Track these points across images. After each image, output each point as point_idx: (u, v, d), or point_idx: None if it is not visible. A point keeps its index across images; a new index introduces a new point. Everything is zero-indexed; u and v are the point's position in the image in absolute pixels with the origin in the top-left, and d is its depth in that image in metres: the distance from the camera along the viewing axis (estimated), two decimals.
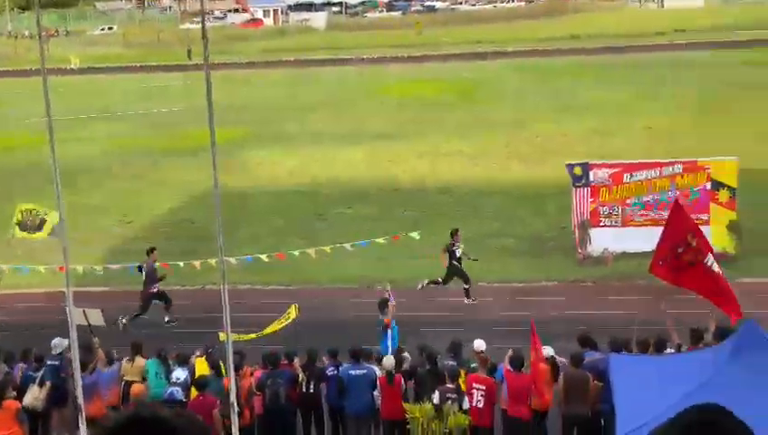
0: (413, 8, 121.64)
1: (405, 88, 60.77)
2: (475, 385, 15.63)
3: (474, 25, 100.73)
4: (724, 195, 25.28)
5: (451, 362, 16.30)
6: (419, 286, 24.10)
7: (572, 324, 20.27)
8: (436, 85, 61.27)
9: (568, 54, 75.17)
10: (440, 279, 24.11)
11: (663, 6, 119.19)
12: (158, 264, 23.45)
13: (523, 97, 54.78)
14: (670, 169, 25.70)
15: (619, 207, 25.79)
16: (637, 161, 27.00)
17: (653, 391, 11.88)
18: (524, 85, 59.48)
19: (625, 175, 25.82)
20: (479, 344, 16.92)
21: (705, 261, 16.44)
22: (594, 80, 59.48)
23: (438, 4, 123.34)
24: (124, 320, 22.61)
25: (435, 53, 79.63)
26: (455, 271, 23.94)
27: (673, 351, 15.77)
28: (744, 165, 26.79)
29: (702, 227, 24.25)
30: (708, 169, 25.49)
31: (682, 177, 25.47)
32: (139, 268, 23.31)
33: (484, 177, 36.27)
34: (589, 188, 25.89)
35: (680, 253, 16.58)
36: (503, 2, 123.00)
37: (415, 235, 25.11)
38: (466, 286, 23.80)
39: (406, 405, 15.76)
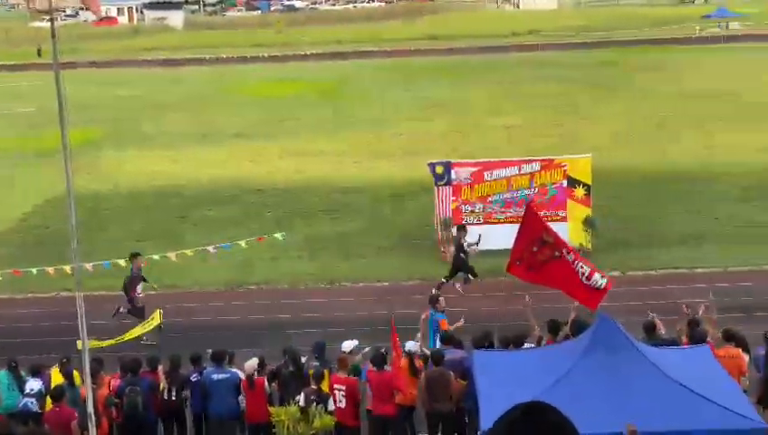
0: (273, 7, 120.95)
1: (266, 88, 60.31)
2: (335, 386, 15.60)
3: (334, 25, 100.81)
4: (579, 192, 25.94)
5: (314, 363, 16.23)
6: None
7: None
8: (297, 85, 61.03)
9: (428, 54, 76.07)
10: (443, 279, 23.77)
11: (519, 8, 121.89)
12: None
13: (385, 96, 55.10)
14: (529, 167, 26.22)
15: (481, 205, 26.17)
16: (497, 160, 27.45)
17: (515, 386, 12.04)
18: (386, 85, 59.82)
19: (486, 173, 26.21)
20: (347, 345, 16.88)
21: (562, 254, 16.79)
22: (454, 79, 60.29)
23: (298, 4, 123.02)
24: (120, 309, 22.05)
25: (295, 52, 79.34)
26: (460, 265, 23.87)
27: (533, 345, 16.05)
28: (598, 162, 27.58)
29: (559, 224, 25.05)
30: (565, 166, 26.12)
31: (540, 174, 26.02)
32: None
33: (348, 176, 36.28)
34: (451, 187, 26.17)
35: (535, 252, 16.95)
36: (362, 2, 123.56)
37: (279, 236, 24.89)
38: (472, 277, 23.81)
39: (271, 408, 15.59)
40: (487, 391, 12.73)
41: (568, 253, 16.91)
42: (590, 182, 25.97)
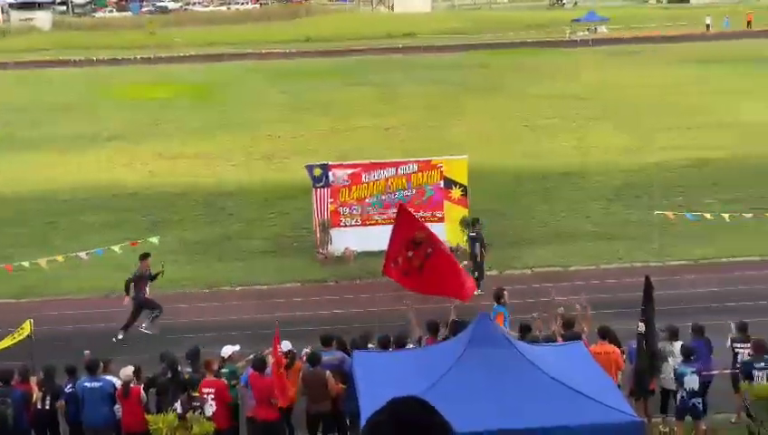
0: (144, 8, 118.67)
1: (139, 90, 59.15)
2: (204, 390, 15.41)
3: (207, 27, 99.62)
4: (456, 192, 26.26)
5: (188, 370, 15.99)
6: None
7: (316, 324, 20.38)
8: (171, 87, 60.06)
9: (303, 56, 75.96)
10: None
11: (393, 11, 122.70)
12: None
13: (261, 98, 54.74)
14: (406, 168, 26.40)
15: (359, 207, 26.22)
16: (374, 161, 27.56)
17: (396, 386, 12.06)
18: (263, 86, 59.46)
19: (363, 175, 26.28)
20: (227, 350, 16.70)
21: (435, 248, 16.94)
22: (330, 81, 60.31)
23: (171, 5, 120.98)
24: (145, 325, 21.43)
25: (169, 54, 78.10)
26: (474, 260, 23.38)
27: (413, 346, 16.15)
28: (474, 163, 27.97)
29: (436, 225, 25.29)
30: (441, 167, 26.39)
31: (417, 175, 26.23)
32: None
33: (225, 179, 35.88)
34: (328, 189, 26.14)
35: (410, 257, 17.11)
36: (236, 4, 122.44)
37: (154, 240, 24.42)
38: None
39: (148, 417, 15.27)
40: (368, 392, 12.73)
41: (442, 245, 17.07)
42: (466, 183, 26.30)
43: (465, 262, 22.29)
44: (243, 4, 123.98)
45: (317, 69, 67.28)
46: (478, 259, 23.09)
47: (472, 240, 23.43)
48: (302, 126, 45.81)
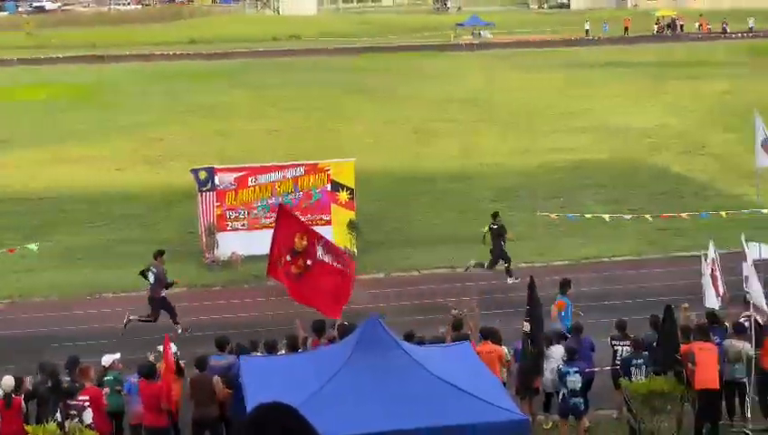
0: (20, 8, 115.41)
1: (19, 92, 57.51)
2: (80, 398, 15.09)
3: (88, 28, 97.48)
4: (343, 195, 26.27)
5: (66, 378, 15.62)
6: (466, 268, 24.11)
7: (204, 329, 20.15)
8: (52, 89, 58.54)
9: (188, 58, 75.05)
10: (485, 263, 24.14)
11: (279, 13, 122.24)
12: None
13: (145, 101, 53.85)
14: (293, 171, 26.30)
15: (246, 211, 26.00)
16: (261, 165, 27.38)
17: (284, 391, 12.00)
18: (146, 88, 58.51)
19: (250, 178, 26.07)
20: (107, 359, 16.40)
21: (316, 258, 16.96)
22: (215, 84, 59.74)
23: (48, 5, 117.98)
24: (130, 318, 20.80)
25: (48, 55, 76.14)
26: (498, 253, 23.88)
27: (300, 348, 16.12)
28: (361, 166, 28.05)
29: (324, 228, 25.27)
30: (329, 170, 26.37)
31: (304, 179, 26.16)
32: (143, 273, 21.27)
33: (109, 183, 35.15)
34: (214, 193, 25.84)
35: (289, 262, 17.12)
36: (117, 5, 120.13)
37: (32, 246, 23.74)
38: (506, 265, 24.04)
39: (28, 427, 14.85)
40: (254, 397, 12.61)
41: (319, 242, 17.05)
42: (353, 186, 26.34)
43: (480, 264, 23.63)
44: (124, 4, 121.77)
45: (201, 71, 66.56)
46: (502, 249, 24.00)
47: (493, 232, 24.15)
48: (187, 129, 45.23)
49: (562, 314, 18.36)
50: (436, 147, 40.51)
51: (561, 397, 15.79)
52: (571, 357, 15.83)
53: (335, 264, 17.96)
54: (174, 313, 21.25)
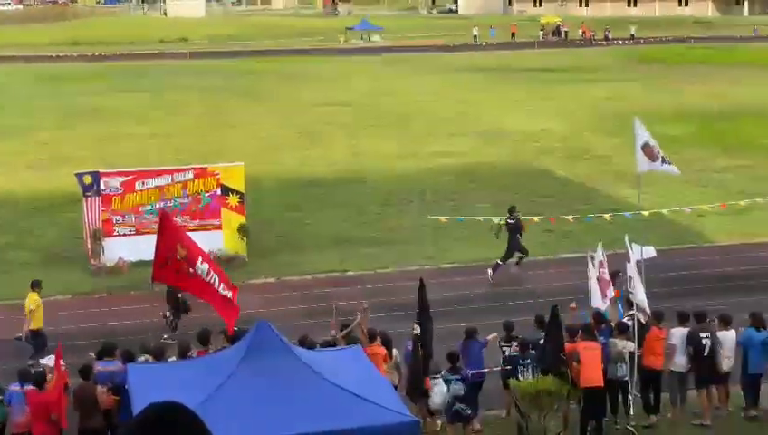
0: None
1: None
2: None
3: None
4: (233, 200, 26.04)
5: None
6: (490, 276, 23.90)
7: (89, 337, 19.71)
8: None
9: (72, 60, 73.39)
10: (499, 261, 24.07)
11: (166, 15, 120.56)
12: None
13: (28, 103, 52.45)
14: (182, 175, 25.94)
15: (133, 216, 25.53)
16: (148, 169, 26.95)
17: (173, 397, 11.81)
18: (28, 91, 57.05)
19: (137, 183, 25.61)
20: None
21: (196, 270, 16.80)
22: (100, 86, 58.57)
23: None
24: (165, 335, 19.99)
25: None
26: (516, 246, 23.84)
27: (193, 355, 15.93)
28: (250, 170, 27.85)
29: (214, 233, 25.03)
30: (218, 174, 26.11)
31: (193, 183, 25.84)
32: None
33: None
34: (100, 198, 25.30)
35: (179, 260, 16.91)
36: None
37: None
38: (522, 257, 24.33)
39: None
40: (143, 403, 12.38)
41: (202, 262, 16.94)
42: (243, 190, 26.15)
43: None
44: (4, 5, 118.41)
45: (86, 73, 65.18)
46: (519, 242, 24.21)
47: (510, 226, 24.32)
48: (71, 132, 44.19)
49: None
50: (325, 150, 40.50)
51: (447, 403, 15.85)
52: (453, 364, 15.95)
53: (219, 288, 17.68)
54: (186, 310, 21.02)
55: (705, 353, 16.56)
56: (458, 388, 15.71)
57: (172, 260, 16.80)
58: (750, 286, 22.06)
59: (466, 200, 31.80)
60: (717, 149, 37.03)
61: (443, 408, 15.93)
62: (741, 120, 45.33)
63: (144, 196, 25.57)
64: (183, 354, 15.95)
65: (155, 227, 25.01)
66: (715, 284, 23.15)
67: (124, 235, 25.39)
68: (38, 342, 19.55)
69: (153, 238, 23.98)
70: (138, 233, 25.39)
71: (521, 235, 24.44)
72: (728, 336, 16.77)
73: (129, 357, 15.72)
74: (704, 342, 16.55)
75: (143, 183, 25.64)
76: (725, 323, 16.98)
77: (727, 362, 16.73)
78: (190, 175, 25.97)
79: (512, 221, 24.44)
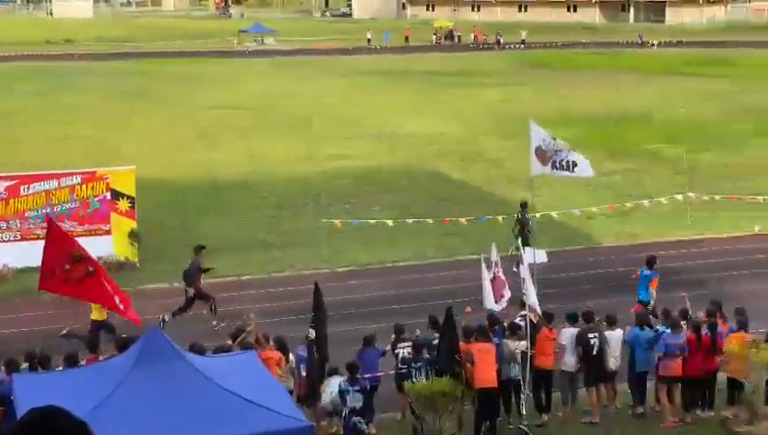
0: None
1: None
2: None
3: None
4: (124, 204, 25.54)
5: None
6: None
7: None
8: None
9: None
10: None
11: (52, 15, 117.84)
12: None
13: None
14: (69, 180, 25.32)
15: (18, 221, 24.82)
16: (33, 173, 26.24)
17: (61, 406, 11.51)
18: None
19: (22, 187, 24.92)
20: None
21: (96, 269, 16.57)
22: None
23: None
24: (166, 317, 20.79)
25: None
26: (526, 240, 23.34)
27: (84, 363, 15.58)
28: (141, 174, 27.34)
29: (104, 238, 24.53)
30: (107, 178, 25.56)
31: (81, 187, 25.25)
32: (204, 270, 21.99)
33: None
34: None
35: (69, 270, 16.56)
36: None
37: None
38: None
39: None
40: None
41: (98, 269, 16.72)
42: (133, 194, 25.65)
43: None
44: None
45: None
46: (528, 240, 23.90)
47: (520, 222, 24.46)
48: None
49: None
50: (218, 154, 40.10)
51: (342, 417, 15.69)
52: (352, 374, 15.65)
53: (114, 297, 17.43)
54: (189, 307, 21.61)
55: (594, 353, 16.88)
56: (357, 399, 15.49)
57: (60, 271, 16.47)
58: (634, 286, 22.61)
59: (363, 203, 31.86)
60: (604, 153, 37.86)
61: (332, 407, 15.84)
62: (626, 125, 46.47)
63: (30, 201, 24.90)
64: (71, 362, 15.53)
65: (40, 232, 24.48)
66: (603, 284, 23.66)
67: (9, 241, 24.68)
68: None
69: (39, 244, 23.53)
70: (23, 239, 24.71)
71: (529, 232, 24.73)
72: (614, 336, 17.12)
73: (13, 366, 15.24)
74: (592, 342, 16.87)
75: (28, 188, 24.95)
76: (611, 322, 17.35)
77: (614, 361, 17.08)
78: (78, 179, 25.37)
79: (522, 219, 24.95)
